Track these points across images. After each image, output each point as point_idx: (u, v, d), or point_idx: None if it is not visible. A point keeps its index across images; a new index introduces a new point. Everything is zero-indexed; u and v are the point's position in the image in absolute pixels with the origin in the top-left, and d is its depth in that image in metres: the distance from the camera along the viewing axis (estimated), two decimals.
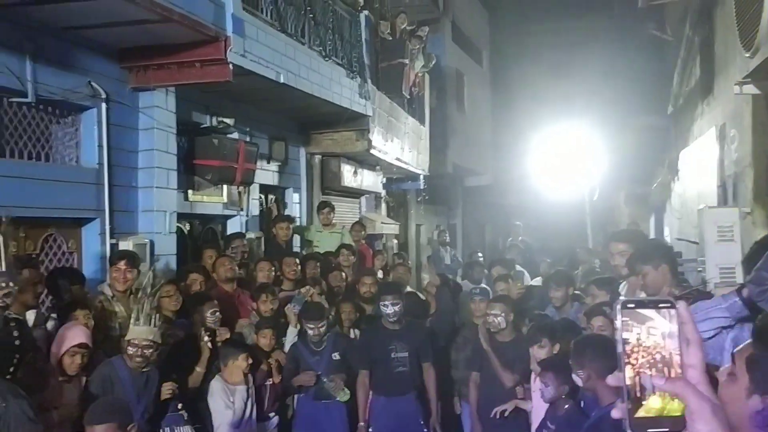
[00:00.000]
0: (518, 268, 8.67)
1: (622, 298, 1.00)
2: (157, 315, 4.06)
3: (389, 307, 5.04)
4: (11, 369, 3.57)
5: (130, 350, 3.92)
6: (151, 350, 3.95)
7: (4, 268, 3.69)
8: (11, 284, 3.60)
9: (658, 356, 0.95)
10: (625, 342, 0.95)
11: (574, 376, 3.32)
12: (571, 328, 4.62)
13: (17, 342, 3.64)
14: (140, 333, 3.93)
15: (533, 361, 4.66)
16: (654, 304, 0.97)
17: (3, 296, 3.54)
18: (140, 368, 3.99)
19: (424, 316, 6.32)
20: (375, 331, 5.34)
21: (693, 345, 0.96)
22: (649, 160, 11.88)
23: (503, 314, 4.94)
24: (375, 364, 5.10)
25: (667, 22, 9.53)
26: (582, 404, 3.95)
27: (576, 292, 5.76)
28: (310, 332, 5.08)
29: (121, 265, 4.67)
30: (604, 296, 4.70)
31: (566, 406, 4.00)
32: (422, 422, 5.09)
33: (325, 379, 4.99)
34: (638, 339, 0.95)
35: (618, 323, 0.96)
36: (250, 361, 4.55)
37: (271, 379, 5.00)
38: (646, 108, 11.98)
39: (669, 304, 0.97)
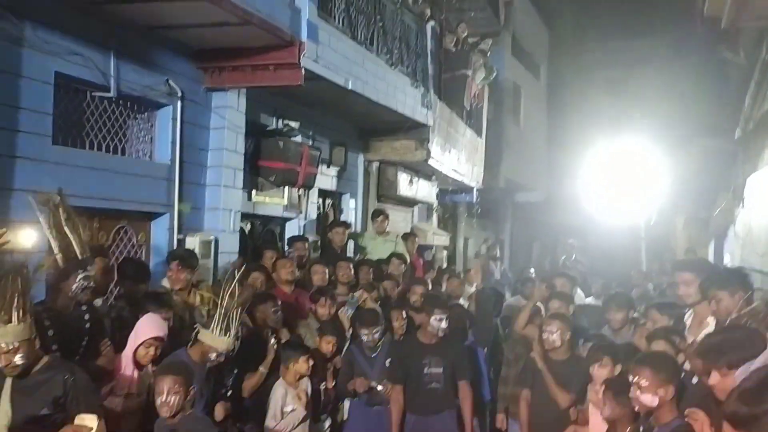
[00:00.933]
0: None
1: None
2: (240, 326, 4.06)
3: (443, 322, 4.89)
4: (80, 351, 3.68)
5: (212, 356, 3.91)
6: (224, 356, 3.99)
7: (79, 255, 3.80)
8: (90, 269, 3.71)
9: None
10: None
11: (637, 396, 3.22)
12: (634, 352, 4.52)
13: (87, 326, 3.75)
14: (221, 343, 3.91)
15: (594, 381, 4.57)
16: None
17: (83, 279, 3.64)
18: (206, 364, 4.05)
19: (467, 327, 6.17)
20: (409, 344, 5.11)
21: None
22: (712, 184, 11.54)
23: (559, 331, 4.80)
24: (408, 379, 4.88)
25: (740, 45, 9.28)
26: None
27: (634, 315, 5.63)
28: (364, 338, 5.04)
29: (174, 266, 4.74)
30: (665, 321, 4.58)
31: (628, 429, 3.92)
32: None
33: (376, 385, 4.96)
34: None
35: None
36: (311, 362, 4.56)
37: (325, 383, 5.01)
38: (708, 130, 11.68)
39: None
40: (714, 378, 2.80)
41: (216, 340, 3.92)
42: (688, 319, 4.34)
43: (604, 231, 15.62)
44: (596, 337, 5.01)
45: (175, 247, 5.55)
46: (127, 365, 3.75)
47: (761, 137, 8.70)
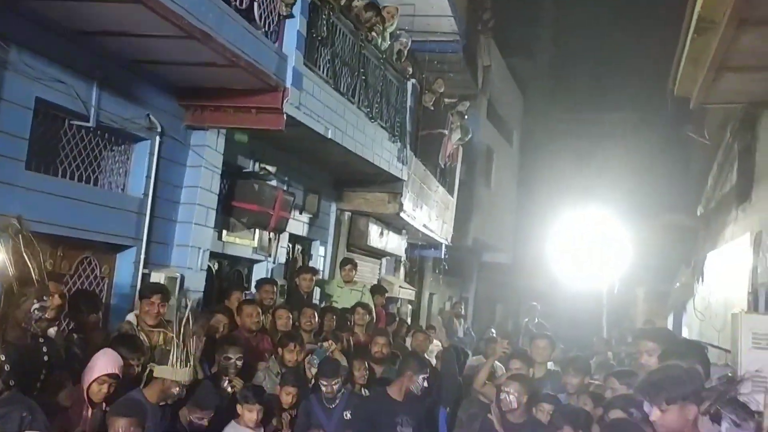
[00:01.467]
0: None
1: None
2: (196, 357, 4.03)
3: (425, 382, 4.87)
4: (38, 385, 3.54)
5: (174, 390, 3.87)
6: (182, 390, 3.92)
7: (36, 283, 3.68)
8: (46, 299, 3.59)
9: None
10: None
11: None
12: (590, 418, 4.54)
13: (45, 358, 3.63)
14: (180, 375, 3.86)
15: None
16: None
17: (39, 309, 3.53)
18: (160, 403, 3.95)
19: (433, 386, 6.10)
20: (378, 400, 5.06)
21: None
22: (674, 258, 11.84)
23: (517, 393, 4.75)
24: None
25: (705, 126, 9.69)
26: None
27: (592, 381, 5.65)
28: (324, 389, 4.97)
29: (155, 299, 4.64)
30: (624, 389, 4.60)
31: None
32: None
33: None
34: None
35: None
36: (260, 415, 4.45)
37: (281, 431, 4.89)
38: (671, 206, 12.05)
39: None
40: (655, 414, 2.86)
41: (177, 372, 3.86)
42: None
43: (568, 296, 15.83)
44: (551, 398, 5.00)
45: (139, 281, 5.45)
46: (79, 402, 3.63)
47: (722, 216, 9.00)
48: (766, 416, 3.46)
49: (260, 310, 5.72)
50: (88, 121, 5.00)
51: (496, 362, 5.91)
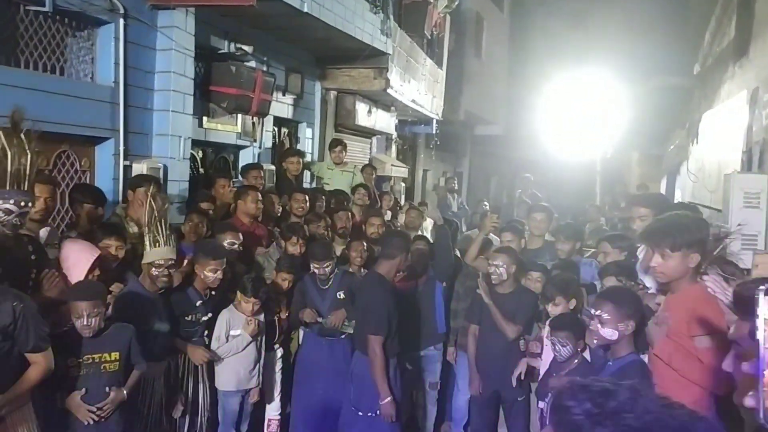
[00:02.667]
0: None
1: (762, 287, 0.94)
2: (172, 236, 4.03)
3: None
4: (30, 284, 3.51)
5: (155, 272, 3.91)
6: (173, 269, 3.98)
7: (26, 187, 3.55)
8: (28, 204, 3.47)
9: None
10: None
11: (597, 329, 3.25)
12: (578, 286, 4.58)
13: (33, 257, 3.58)
14: (163, 253, 3.91)
15: (540, 315, 4.64)
16: None
17: (18, 216, 3.41)
18: (158, 289, 3.99)
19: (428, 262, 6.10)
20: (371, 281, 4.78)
21: None
22: (668, 120, 11.66)
23: (505, 266, 4.78)
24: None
25: None
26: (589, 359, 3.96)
27: (585, 248, 5.68)
28: (316, 271, 4.99)
29: (150, 187, 4.54)
30: (616, 255, 4.61)
31: (576, 361, 4.00)
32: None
33: (321, 320, 4.93)
34: None
35: (761, 311, 0.90)
36: (256, 308, 4.50)
37: (278, 314, 4.97)
38: (668, 66, 11.69)
39: None
40: (655, 260, 2.84)
41: (163, 250, 3.90)
42: (641, 253, 4.39)
43: (561, 165, 15.77)
44: (539, 267, 5.05)
45: (121, 173, 5.33)
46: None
47: (718, 74, 8.74)
48: (753, 273, 3.47)
49: (259, 195, 5.64)
50: (44, 6, 4.66)
51: (492, 235, 5.90)
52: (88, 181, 5.28)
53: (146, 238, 3.93)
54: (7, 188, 3.37)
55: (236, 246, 4.84)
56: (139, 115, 5.58)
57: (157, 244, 3.90)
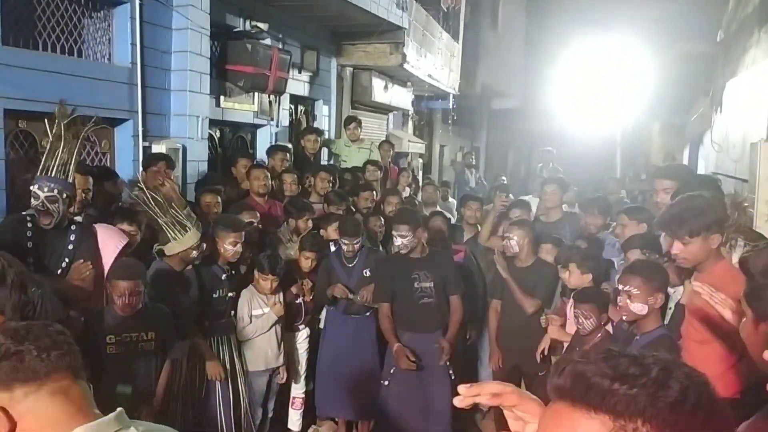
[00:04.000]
0: None
1: None
2: (194, 216, 4.03)
3: (398, 239, 4.61)
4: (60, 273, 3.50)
5: (194, 254, 3.93)
6: (201, 249, 3.98)
7: (71, 178, 3.52)
8: (70, 195, 3.44)
9: None
10: None
11: (626, 305, 3.21)
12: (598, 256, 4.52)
13: (30, 244, 3.51)
14: (193, 238, 3.90)
15: (564, 289, 4.59)
16: None
17: (59, 203, 3.39)
18: (186, 267, 4.01)
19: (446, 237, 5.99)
20: (396, 259, 4.79)
21: None
22: (691, 89, 11.41)
23: (517, 238, 4.76)
24: (397, 295, 4.62)
25: None
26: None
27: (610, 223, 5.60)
28: (345, 248, 4.94)
29: (161, 166, 4.55)
30: (634, 227, 4.51)
31: (599, 335, 3.97)
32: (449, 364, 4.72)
33: (354, 297, 4.93)
34: None
35: None
36: (274, 285, 4.50)
37: (303, 296, 4.95)
38: (691, 33, 11.42)
39: None
40: (677, 247, 2.81)
41: (185, 239, 3.88)
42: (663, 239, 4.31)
43: (580, 137, 15.56)
44: (553, 239, 4.99)
45: (141, 155, 5.33)
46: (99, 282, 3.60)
47: (743, 40, 8.52)
48: None
49: (268, 174, 5.64)
50: None
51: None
52: (108, 163, 5.30)
53: (172, 226, 3.88)
54: (53, 175, 3.40)
55: (255, 224, 4.82)
56: (157, 95, 5.57)
57: (187, 229, 3.88)
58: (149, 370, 3.46)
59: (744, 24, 8.48)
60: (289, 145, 7.59)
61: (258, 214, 4.89)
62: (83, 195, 3.86)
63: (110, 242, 3.63)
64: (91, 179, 4.01)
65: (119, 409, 1.44)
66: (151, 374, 3.47)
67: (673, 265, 3.34)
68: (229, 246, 4.20)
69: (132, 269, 3.45)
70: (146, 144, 5.39)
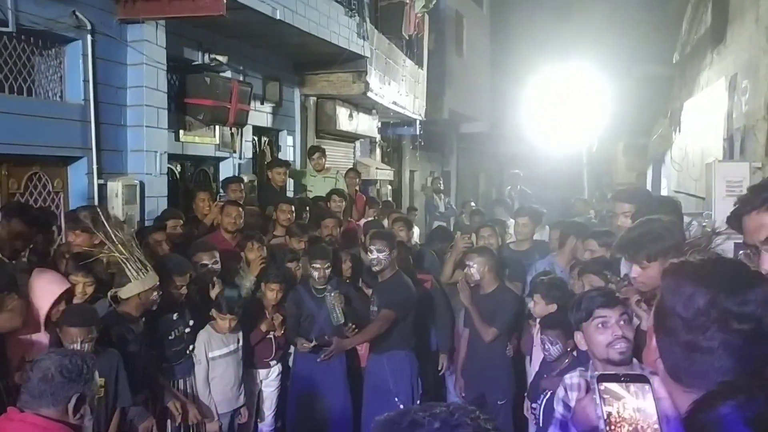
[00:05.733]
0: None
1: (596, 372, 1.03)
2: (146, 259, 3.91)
3: (374, 253, 4.70)
4: None
5: (153, 296, 3.81)
6: (159, 293, 3.86)
7: None
8: None
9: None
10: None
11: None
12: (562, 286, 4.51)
13: None
14: (149, 281, 3.79)
15: (533, 317, 4.57)
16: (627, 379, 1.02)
17: None
18: (141, 314, 3.89)
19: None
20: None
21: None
22: (651, 110, 11.65)
23: (476, 265, 4.74)
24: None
25: None
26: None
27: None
28: (315, 273, 4.84)
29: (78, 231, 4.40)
30: (603, 251, 4.53)
31: (566, 360, 3.94)
32: (417, 381, 4.84)
33: (315, 343, 4.79)
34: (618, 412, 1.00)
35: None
36: (233, 324, 4.41)
37: (273, 333, 4.84)
38: (649, 56, 11.68)
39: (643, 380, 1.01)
40: (635, 271, 2.82)
41: (145, 280, 3.77)
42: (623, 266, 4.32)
43: (548, 159, 15.74)
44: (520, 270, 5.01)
45: (96, 192, 5.24)
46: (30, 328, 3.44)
47: (697, 62, 8.72)
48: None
49: (241, 211, 5.50)
50: (7, 26, 4.57)
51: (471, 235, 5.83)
52: (61, 202, 5.20)
53: (126, 269, 3.76)
54: None
55: (209, 266, 4.62)
56: (113, 132, 5.50)
57: (141, 273, 3.76)
58: (98, 419, 3.34)
59: (697, 46, 8.71)
60: (253, 177, 7.54)
61: (216, 254, 4.71)
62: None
63: (47, 289, 3.49)
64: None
65: None
66: (100, 423, 3.35)
67: (632, 289, 3.35)
68: (173, 290, 4.10)
69: (84, 315, 3.36)
70: (101, 181, 5.30)
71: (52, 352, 2.49)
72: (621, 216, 4.12)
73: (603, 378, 1.02)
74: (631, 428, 0.97)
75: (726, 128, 6.85)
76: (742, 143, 6.24)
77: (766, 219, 1.83)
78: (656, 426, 0.97)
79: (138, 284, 3.78)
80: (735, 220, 1.99)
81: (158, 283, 3.85)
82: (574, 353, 3.93)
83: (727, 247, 3.49)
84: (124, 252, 3.72)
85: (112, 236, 3.73)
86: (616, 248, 3.26)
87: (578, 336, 2.53)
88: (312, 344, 4.74)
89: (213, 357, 4.34)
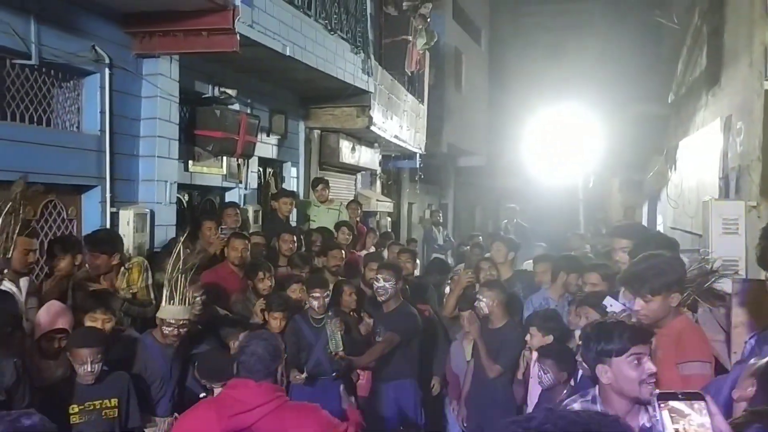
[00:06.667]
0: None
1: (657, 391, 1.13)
2: (192, 293, 3.98)
3: (380, 281, 4.91)
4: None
5: (166, 330, 3.85)
6: (185, 329, 3.90)
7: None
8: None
9: None
10: None
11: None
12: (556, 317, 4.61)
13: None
14: (176, 313, 3.84)
15: (530, 349, 4.66)
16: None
17: None
18: (169, 344, 3.94)
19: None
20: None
21: None
22: (646, 148, 11.87)
23: (486, 299, 4.81)
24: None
25: (673, 9, 9.47)
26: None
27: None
28: (315, 302, 4.92)
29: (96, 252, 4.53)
30: (605, 286, 4.64)
31: (564, 392, 4.03)
32: (420, 410, 4.96)
33: (306, 375, 4.84)
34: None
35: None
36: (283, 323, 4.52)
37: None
38: (644, 95, 11.94)
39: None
40: (638, 304, 2.93)
41: (177, 310, 3.83)
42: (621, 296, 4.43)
43: (544, 194, 15.96)
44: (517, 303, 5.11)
45: (108, 220, 5.35)
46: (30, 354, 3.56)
47: (692, 102, 8.96)
48: (733, 300, 3.56)
49: (248, 244, 5.57)
50: (30, 59, 4.73)
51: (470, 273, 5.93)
52: (75, 229, 5.30)
53: (165, 291, 3.87)
54: None
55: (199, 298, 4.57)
56: (126, 161, 5.63)
57: (172, 302, 3.83)
58: None
59: (692, 87, 8.95)
60: (258, 207, 7.67)
61: (201, 290, 4.63)
62: (26, 256, 3.86)
63: (49, 321, 3.60)
64: (35, 241, 4.04)
65: None
66: None
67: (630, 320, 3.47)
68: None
69: (92, 336, 3.45)
70: (114, 210, 5.42)
71: (254, 337, 2.96)
72: (619, 251, 4.25)
73: (663, 397, 1.09)
74: None
75: (721, 167, 7.03)
76: (737, 182, 6.41)
77: None
78: None
79: (164, 310, 3.87)
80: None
81: (181, 318, 3.87)
82: (571, 383, 4.03)
83: (725, 285, 3.63)
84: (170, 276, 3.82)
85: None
86: (620, 281, 3.38)
87: (601, 368, 2.40)
88: (304, 375, 4.78)
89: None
